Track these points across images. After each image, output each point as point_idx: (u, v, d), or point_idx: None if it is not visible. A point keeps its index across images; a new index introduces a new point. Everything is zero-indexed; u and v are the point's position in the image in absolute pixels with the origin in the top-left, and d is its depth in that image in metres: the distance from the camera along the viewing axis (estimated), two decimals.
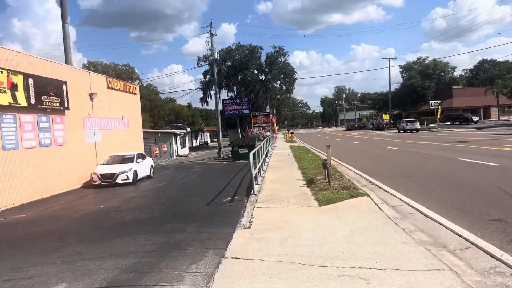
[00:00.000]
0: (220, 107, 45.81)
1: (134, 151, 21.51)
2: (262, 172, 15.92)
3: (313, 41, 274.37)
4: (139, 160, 19.48)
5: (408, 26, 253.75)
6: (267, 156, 22.23)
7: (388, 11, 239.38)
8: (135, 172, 18.61)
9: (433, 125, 63.18)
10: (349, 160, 19.40)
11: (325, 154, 27.02)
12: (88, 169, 19.07)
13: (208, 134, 79.20)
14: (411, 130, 51.21)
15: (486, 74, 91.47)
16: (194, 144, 67.13)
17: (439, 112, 61.41)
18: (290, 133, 53.55)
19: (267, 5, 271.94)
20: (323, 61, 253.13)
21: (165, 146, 39.23)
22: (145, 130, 47.59)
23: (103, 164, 19.42)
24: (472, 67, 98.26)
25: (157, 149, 36.81)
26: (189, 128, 51.24)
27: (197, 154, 44.62)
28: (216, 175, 19.92)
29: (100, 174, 18.05)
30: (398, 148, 25.04)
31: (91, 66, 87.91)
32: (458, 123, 63.05)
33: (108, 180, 17.92)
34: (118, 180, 17.88)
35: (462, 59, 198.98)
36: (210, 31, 34.18)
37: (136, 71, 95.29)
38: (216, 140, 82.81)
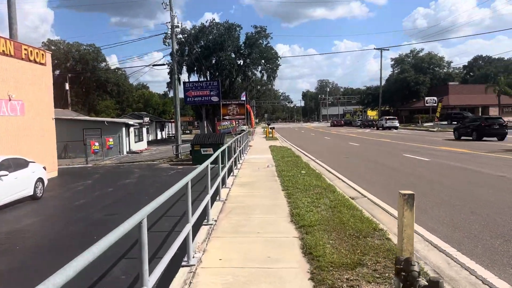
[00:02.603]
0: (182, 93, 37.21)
1: (27, 149, 13.00)
2: (207, 229, 6.72)
3: (296, 34, 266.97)
4: (1, 173, 10.88)
5: (390, 24, 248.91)
6: (231, 170, 13.54)
7: (372, 8, 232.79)
8: None
9: (430, 124, 56.44)
10: (372, 185, 11.31)
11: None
12: None
13: None
14: (389, 127, 52.92)
15: (481, 71, 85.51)
16: (160, 137, 58.35)
17: (438, 110, 54.48)
18: (270, 128, 45.12)
19: None
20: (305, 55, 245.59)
21: (111, 140, 30.40)
22: (86, 118, 38.58)
23: None
24: (466, 64, 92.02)
25: (96, 143, 27.93)
26: (147, 118, 42.18)
27: (157, 149, 35.99)
28: (144, 200, 11.52)
29: None
30: (430, 159, 16.93)
31: (52, 45, 77.23)
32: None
33: None
34: None
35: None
36: None
37: (103, 53, 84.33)
38: (188, 132, 74.00)
